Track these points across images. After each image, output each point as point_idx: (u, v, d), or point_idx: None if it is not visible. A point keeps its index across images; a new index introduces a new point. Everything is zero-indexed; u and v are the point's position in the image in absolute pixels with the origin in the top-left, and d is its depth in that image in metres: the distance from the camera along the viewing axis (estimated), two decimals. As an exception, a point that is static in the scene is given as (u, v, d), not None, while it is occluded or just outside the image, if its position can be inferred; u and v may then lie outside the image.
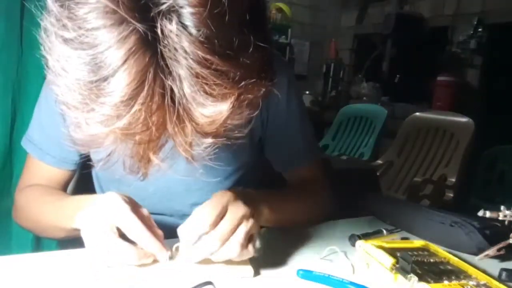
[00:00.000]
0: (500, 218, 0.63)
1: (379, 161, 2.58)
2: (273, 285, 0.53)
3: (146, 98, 0.33)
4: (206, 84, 0.34)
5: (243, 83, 0.36)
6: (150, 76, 0.33)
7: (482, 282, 0.51)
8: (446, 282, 0.50)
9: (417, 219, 0.76)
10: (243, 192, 0.59)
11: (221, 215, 0.52)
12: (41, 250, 1.16)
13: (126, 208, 0.51)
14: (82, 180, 0.83)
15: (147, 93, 0.33)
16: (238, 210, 0.52)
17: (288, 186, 0.84)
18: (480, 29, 3.20)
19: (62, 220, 0.61)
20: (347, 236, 0.69)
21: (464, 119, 2.34)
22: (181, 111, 0.35)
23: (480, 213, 0.63)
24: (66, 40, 0.33)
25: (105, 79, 0.33)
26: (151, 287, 0.49)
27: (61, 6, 0.33)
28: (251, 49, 0.36)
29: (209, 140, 0.38)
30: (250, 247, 0.53)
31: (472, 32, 3.22)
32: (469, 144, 2.25)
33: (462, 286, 0.50)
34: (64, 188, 0.77)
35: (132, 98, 0.33)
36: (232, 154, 0.76)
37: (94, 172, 0.83)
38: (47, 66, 0.36)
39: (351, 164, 2.08)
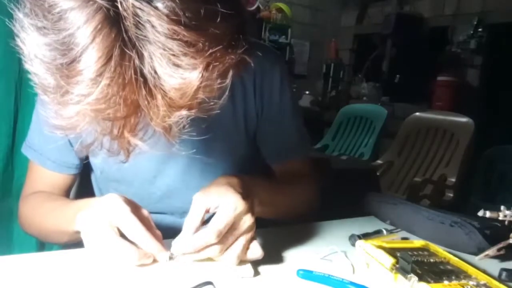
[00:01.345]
0: (500, 218, 0.63)
1: (379, 161, 2.58)
2: (273, 285, 0.53)
3: (113, 73, 0.34)
4: (174, 55, 0.34)
5: (210, 51, 0.36)
6: (117, 52, 0.34)
7: (482, 282, 0.51)
8: (446, 282, 0.50)
9: (417, 219, 0.76)
10: (244, 181, 0.59)
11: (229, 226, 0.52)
12: (44, 251, 1.16)
13: (126, 208, 0.51)
14: (83, 186, 0.83)
15: (115, 69, 0.34)
16: (245, 222, 0.53)
17: (278, 179, 0.83)
18: (480, 29, 3.20)
19: (64, 223, 0.61)
20: (347, 236, 0.69)
21: (464, 119, 2.34)
22: (151, 85, 0.35)
23: (480, 213, 0.63)
24: (38, 28, 0.34)
25: (75, 59, 0.34)
26: (151, 287, 0.50)
27: None
28: (219, 19, 0.36)
29: (183, 113, 0.38)
30: (250, 251, 0.54)
31: (472, 32, 3.22)
32: (469, 144, 2.25)
33: (462, 286, 0.50)
34: (66, 194, 0.77)
35: (100, 74, 0.34)
36: (229, 149, 0.76)
37: (93, 176, 0.83)
38: (23, 56, 0.36)
39: (351, 164, 2.08)
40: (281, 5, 3.93)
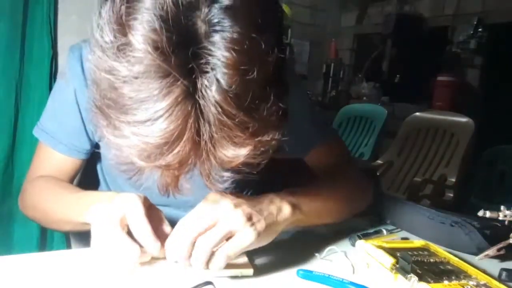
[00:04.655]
0: (500, 218, 0.63)
1: (379, 161, 2.58)
2: (273, 285, 0.53)
3: (186, 140, 0.39)
4: (230, 132, 0.40)
5: (259, 138, 0.42)
6: (191, 121, 0.39)
7: (482, 282, 0.51)
8: (446, 282, 0.51)
9: (417, 219, 0.76)
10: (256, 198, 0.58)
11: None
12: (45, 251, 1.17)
13: (141, 209, 0.52)
14: (86, 172, 0.84)
15: (187, 136, 0.39)
16: (219, 206, 0.53)
17: (317, 179, 0.80)
18: (480, 29, 3.20)
19: (72, 213, 0.61)
20: (347, 236, 0.69)
21: (464, 119, 2.34)
22: (208, 150, 0.41)
23: (480, 213, 0.63)
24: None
25: (149, 121, 0.38)
26: (152, 287, 0.50)
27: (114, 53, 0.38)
28: (270, 104, 0.42)
29: (228, 174, 0.45)
30: (232, 241, 0.51)
31: (472, 32, 3.22)
32: (469, 144, 2.25)
33: (462, 286, 0.50)
34: (72, 179, 0.78)
35: (175, 140, 0.39)
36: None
37: (99, 166, 0.83)
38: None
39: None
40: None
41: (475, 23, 3.20)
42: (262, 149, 0.44)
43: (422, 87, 3.45)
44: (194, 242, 0.50)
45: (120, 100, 0.39)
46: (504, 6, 3.06)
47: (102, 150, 0.77)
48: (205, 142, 0.41)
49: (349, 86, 4.26)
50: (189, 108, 0.38)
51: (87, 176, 0.85)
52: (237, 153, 0.42)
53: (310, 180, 0.76)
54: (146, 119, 0.38)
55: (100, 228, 0.51)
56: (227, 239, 0.50)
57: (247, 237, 0.51)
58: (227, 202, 0.53)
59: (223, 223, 0.50)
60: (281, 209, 0.57)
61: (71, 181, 0.78)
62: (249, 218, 0.52)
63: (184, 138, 0.39)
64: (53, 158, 0.75)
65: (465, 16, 3.32)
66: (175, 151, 0.40)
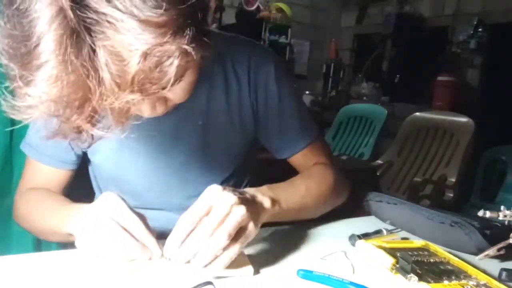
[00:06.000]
0: (500, 218, 0.63)
1: (379, 161, 2.58)
2: (273, 285, 0.53)
3: (65, 56, 0.36)
4: (112, 44, 0.37)
5: (145, 37, 0.37)
6: (69, 40, 0.36)
7: (482, 282, 0.51)
8: (446, 282, 0.50)
9: (417, 219, 0.76)
10: (239, 190, 0.59)
11: (206, 213, 0.52)
12: (42, 250, 1.16)
13: (124, 204, 0.52)
14: (79, 180, 0.83)
15: (66, 53, 0.36)
16: (224, 200, 0.52)
17: (295, 178, 0.80)
18: (480, 29, 3.20)
19: (57, 225, 0.62)
20: (347, 236, 0.69)
21: (464, 119, 2.34)
22: (99, 70, 0.37)
23: (480, 213, 0.63)
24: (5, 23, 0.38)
25: (34, 47, 0.36)
26: (152, 287, 0.49)
27: None
28: (164, 8, 0.37)
29: (135, 96, 0.39)
30: (240, 241, 0.52)
31: (472, 32, 3.22)
32: (469, 144, 2.25)
33: (462, 286, 0.50)
34: (62, 190, 0.78)
35: (54, 57, 0.36)
36: (225, 146, 0.76)
37: (92, 171, 0.83)
38: None
39: (351, 164, 2.08)
40: (281, 5, 3.93)
41: (475, 23, 3.20)
42: (155, 60, 0.38)
43: (422, 87, 3.45)
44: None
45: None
46: (504, 6, 3.06)
47: (91, 157, 0.76)
48: (93, 61, 0.37)
49: (349, 86, 4.26)
50: (66, 25, 0.36)
51: (84, 187, 0.84)
52: (125, 65, 0.37)
53: (290, 177, 0.77)
54: (32, 46, 0.36)
55: (90, 232, 0.51)
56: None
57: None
58: (230, 193, 0.54)
59: (236, 211, 0.52)
60: (262, 202, 0.60)
61: (61, 192, 0.78)
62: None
63: (62, 54, 0.36)
64: (40, 171, 0.75)
65: (465, 16, 3.32)
66: (53, 65, 0.36)
